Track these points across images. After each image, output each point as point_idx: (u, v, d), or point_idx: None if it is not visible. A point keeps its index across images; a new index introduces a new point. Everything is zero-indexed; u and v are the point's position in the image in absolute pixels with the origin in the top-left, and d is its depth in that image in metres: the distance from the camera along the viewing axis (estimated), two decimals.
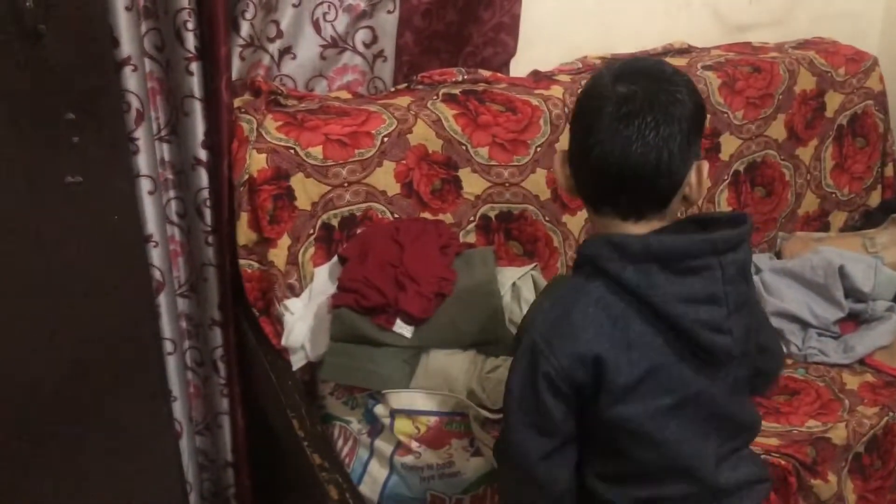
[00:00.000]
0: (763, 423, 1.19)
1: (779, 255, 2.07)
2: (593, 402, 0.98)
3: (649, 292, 0.96)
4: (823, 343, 1.80)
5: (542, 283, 1.53)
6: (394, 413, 1.30)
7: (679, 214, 1.06)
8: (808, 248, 2.01)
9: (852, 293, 1.86)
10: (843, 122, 2.18)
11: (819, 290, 1.86)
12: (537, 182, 1.77)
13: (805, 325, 1.83)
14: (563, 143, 1.59)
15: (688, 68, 1.97)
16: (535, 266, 1.54)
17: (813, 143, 2.13)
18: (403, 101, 1.70)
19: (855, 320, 1.86)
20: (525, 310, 1.44)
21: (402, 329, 1.34)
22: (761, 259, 1.99)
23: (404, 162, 1.62)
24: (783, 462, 1.45)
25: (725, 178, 2.01)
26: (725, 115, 1.98)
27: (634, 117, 0.95)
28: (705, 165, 1.01)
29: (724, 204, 2.01)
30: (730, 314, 1.00)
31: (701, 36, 2.20)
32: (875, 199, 2.26)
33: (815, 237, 2.11)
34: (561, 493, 1.03)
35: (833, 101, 2.14)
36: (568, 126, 1.06)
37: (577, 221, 1.83)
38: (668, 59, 2.03)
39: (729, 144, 2.00)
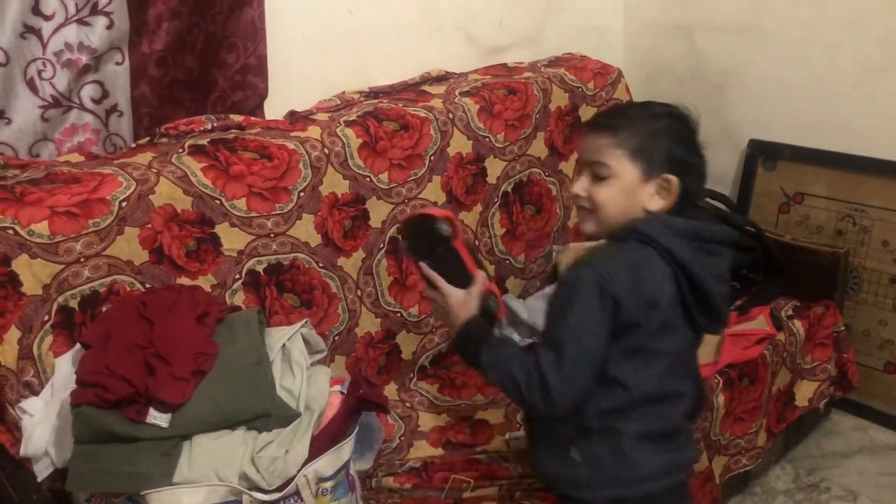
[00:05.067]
0: None
1: (556, 268, 2.12)
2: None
3: None
4: None
5: (316, 339, 1.45)
6: None
7: None
8: (581, 257, 2.07)
9: None
10: None
11: None
12: (305, 228, 1.69)
13: None
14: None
15: (446, 96, 1.97)
16: (306, 322, 1.45)
17: (574, 157, 2.21)
18: (144, 158, 1.56)
19: None
20: (297, 375, 1.34)
21: (157, 419, 1.20)
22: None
23: (149, 226, 1.48)
24: None
25: (496, 200, 2.02)
26: (487, 140, 2.00)
27: None
28: None
29: (497, 226, 2.03)
30: None
31: (458, 61, 2.22)
32: None
33: (586, 246, 2.17)
34: None
35: (587, 114, 2.23)
36: None
37: (352, 263, 1.77)
38: (427, 88, 2.03)
39: (494, 167, 2.02)
